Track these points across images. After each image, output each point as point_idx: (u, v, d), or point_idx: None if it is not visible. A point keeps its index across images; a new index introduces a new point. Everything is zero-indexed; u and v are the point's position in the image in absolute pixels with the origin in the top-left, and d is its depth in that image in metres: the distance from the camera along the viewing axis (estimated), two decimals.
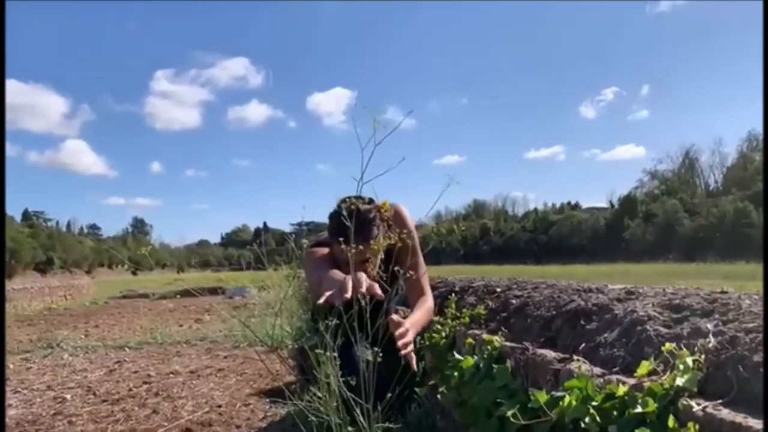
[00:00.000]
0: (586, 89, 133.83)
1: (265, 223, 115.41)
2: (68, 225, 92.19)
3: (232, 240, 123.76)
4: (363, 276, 1.90)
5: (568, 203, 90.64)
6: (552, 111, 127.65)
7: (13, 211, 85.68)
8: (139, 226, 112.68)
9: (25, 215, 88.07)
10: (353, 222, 2.07)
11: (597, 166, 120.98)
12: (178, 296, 13.91)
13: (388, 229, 2.43)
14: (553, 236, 76.05)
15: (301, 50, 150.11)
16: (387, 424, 1.92)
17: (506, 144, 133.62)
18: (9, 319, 11.29)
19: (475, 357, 1.94)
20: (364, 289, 1.83)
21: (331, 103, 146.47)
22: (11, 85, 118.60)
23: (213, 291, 15.85)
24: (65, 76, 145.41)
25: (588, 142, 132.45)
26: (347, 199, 2.38)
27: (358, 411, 1.90)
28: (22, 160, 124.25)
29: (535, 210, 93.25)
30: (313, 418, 2.14)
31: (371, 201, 2.44)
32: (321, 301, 1.86)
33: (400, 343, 2.01)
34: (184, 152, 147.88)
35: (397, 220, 2.51)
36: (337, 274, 2.08)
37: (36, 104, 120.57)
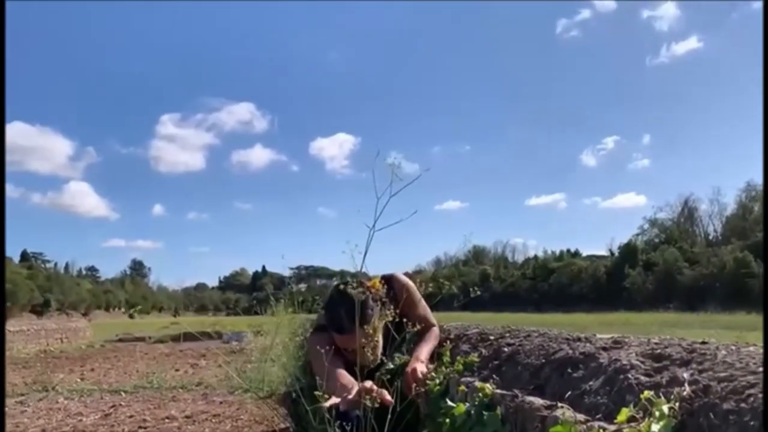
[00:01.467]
0: (587, 138, 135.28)
1: (264, 267, 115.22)
2: (66, 267, 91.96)
3: (230, 283, 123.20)
4: (370, 384, 2.10)
5: (568, 251, 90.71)
6: (553, 159, 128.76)
7: (12, 251, 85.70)
8: (137, 268, 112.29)
9: (24, 256, 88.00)
10: (346, 310, 2.29)
11: (598, 214, 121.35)
12: (173, 342, 13.86)
13: (383, 306, 2.52)
14: (554, 284, 75.86)
15: (305, 95, 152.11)
16: None
17: (508, 190, 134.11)
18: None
19: (467, 404, 1.98)
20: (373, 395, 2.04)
21: (335, 148, 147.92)
22: (18, 127, 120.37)
23: (210, 335, 15.79)
24: (72, 119, 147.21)
25: (589, 190, 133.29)
26: (338, 287, 2.49)
27: None
28: (25, 201, 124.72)
29: (536, 257, 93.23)
30: None
31: (361, 283, 2.50)
32: (327, 404, 2.01)
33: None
34: (187, 195, 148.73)
35: (390, 291, 2.62)
36: (344, 377, 2.26)
37: (42, 146, 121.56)
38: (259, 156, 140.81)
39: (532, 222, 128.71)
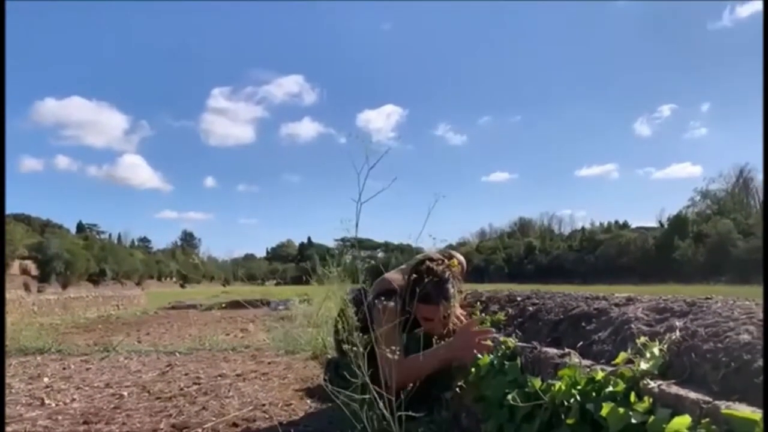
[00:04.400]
0: (642, 106, 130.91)
1: (309, 238, 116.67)
2: (119, 237, 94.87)
3: (277, 254, 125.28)
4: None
5: (616, 222, 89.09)
6: (606, 128, 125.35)
7: (69, 223, 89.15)
8: (188, 239, 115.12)
9: (80, 227, 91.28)
10: (432, 286, 2.58)
11: (651, 185, 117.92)
12: (224, 305, 14.35)
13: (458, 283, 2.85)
14: (600, 256, 74.74)
15: (354, 66, 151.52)
16: (410, 413, 2.16)
17: (558, 161, 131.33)
18: (67, 326, 11.91)
19: (491, 356, 2.16)
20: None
21: (381, 119, 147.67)
22: (76, 102, 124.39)
23: (258, 303, 16.28)
24: (126, 94, 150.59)
25: (642, 160, 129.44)
26: (425, 263, 2.77)
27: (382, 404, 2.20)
28: (82, 174, 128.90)
29: (583, 229, 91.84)
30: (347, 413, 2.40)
31: (442, 261, 2.79)
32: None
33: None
34: (238, 168, 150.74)
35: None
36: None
37: (98, 120, 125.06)
38: (307, 129, 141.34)
39: (583, 193, 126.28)
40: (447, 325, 2.70)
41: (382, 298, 2.95)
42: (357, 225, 2.45)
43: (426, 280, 2.59)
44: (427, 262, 2.74)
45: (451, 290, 2.69)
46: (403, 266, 3.19)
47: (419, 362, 2.49)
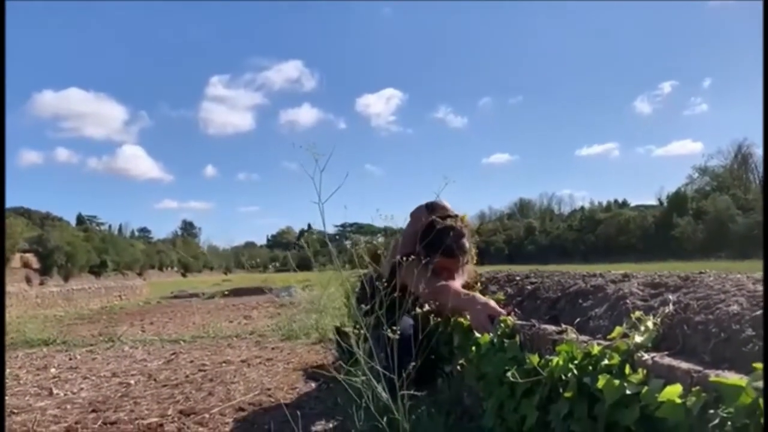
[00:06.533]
0: (642, 83, 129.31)
1: (309, 225, 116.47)
2: (120, 228, 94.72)
3: (277, 242, 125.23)
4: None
5: (616, 201, 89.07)
6: (606, 107, 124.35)
7: (69, 215, 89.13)
8: (188, 229, 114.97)
9: (79, 219, 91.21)
10: (452, 240, 2.78)
11: (652, 163, 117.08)
12: (227, 293, 14.43)
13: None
14: (601, 235, 74.85)
15: (353, 51, 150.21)
16: (412, 391, 2.21)
17: (558, 141, 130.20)
18: (71, 317, 11.99)
19: (491, 334, 2.20)
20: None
21: (381, 104, 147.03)
22: (74, 93, 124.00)
23: (260, 290, 16.37)
24: (125, 85, 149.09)
25: (643, 138, 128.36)
26: (444, 220, 2.91)
27: (382, 384, 2.25)
28: (82, 166, 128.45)
29: (582, 209, 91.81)
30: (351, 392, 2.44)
31: (456, 215, 2.95)
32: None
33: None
34: (238, 156, 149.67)
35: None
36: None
37: (97, 112, 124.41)
38: (306, 115, 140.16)
39: (584, 173, 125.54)
40: (458, 273, 2.90)
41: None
42: (324, 223, 2.52)
43: (445, 234, 2.79)
44: (448, 219, 2.89)
45: (467, 244, 2.92)
46: (408, 226, 3.26)
47: (444, 287, 2.63)
